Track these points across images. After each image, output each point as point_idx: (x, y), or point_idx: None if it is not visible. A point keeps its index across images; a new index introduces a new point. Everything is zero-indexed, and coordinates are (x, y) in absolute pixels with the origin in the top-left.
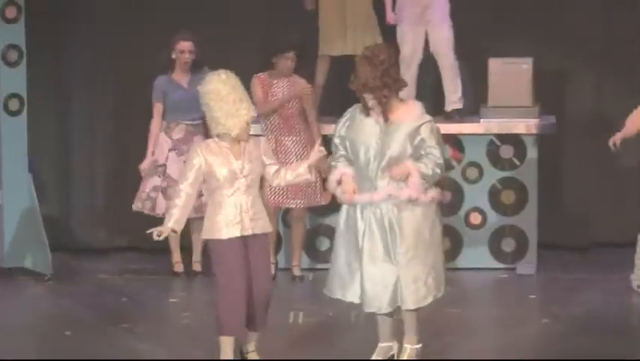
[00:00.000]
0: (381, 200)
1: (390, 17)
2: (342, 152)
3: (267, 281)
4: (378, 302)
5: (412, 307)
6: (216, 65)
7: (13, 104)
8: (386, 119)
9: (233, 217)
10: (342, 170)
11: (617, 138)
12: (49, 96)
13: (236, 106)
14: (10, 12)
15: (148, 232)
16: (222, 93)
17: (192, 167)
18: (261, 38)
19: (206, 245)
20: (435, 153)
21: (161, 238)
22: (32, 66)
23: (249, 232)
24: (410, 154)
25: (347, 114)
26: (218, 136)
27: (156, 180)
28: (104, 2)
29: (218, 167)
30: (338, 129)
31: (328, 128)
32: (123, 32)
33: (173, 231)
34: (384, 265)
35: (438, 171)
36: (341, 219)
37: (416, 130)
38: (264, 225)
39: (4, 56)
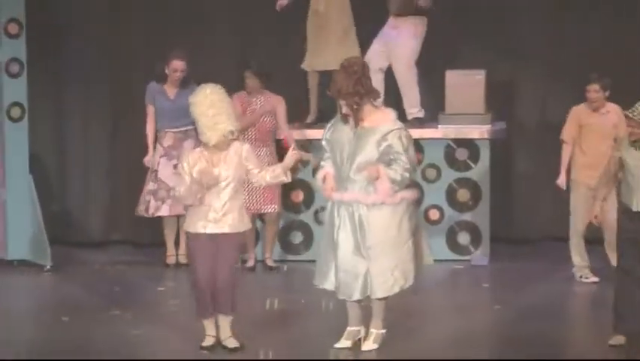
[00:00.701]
0: (350, 201)
1: None
2: (328, 154)
3: (227, 273)
4: (350, 291)
5: (380, 296)
6: (200, 79)
7: (15, 112)
8: (357, 125)
9: (205, 216)
10: (326, 170)
11: (562, 181)
12: (47, 104)
13: (214, 120)
14: (13, 28)
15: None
16: (202, 107)
17: (185, 172)
18: (236, 56)
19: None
20: (402, 159)
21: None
22: (32, 77)
23: (217, 231)
24: (377, 159)
25: (332, 120)
26: (203, 144)
27: (151, 185)
28: (97, 19)
29: (199, 173)
30: (325, 133)
31: (299, 134)
32: (114, 46)
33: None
34: (355, 258)
35: (406, 175)
36: (326, 214)
37: (384, 137)
38: (235, 225)
39: (7, 69)
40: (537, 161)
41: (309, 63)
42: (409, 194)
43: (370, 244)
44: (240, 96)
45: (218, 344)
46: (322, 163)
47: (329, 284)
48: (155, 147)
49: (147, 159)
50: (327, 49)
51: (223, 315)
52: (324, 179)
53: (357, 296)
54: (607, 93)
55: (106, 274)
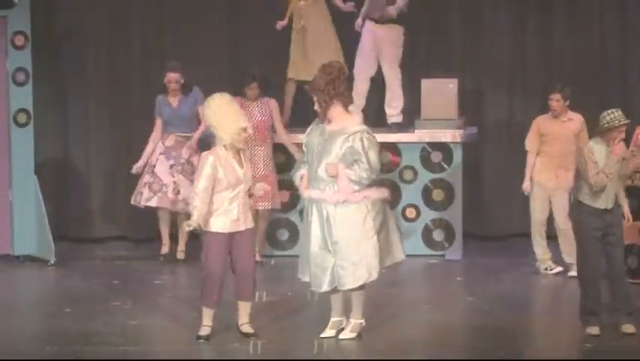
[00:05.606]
0: (317, 198)
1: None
2: (306, 157)
3: (248, 264)
4: (319, 283)
5: (345, 288)
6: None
7: (21, 118)
8: (322, 121)
9: (232, 216)
10: (302, 171)
11: (527, 186)
12: (51, 110)
13: (235, 117)
14: (19, 40)
15: (185, 225)
16: (222, 112)
17: (205, 176)
18: (227, 66)
19: (190, 237)
20: (363, 160)
21: (190, 229)
22: (37, 85)
23: (242, 228)
24: (340, 159)
25: (312, 125)
26: (225, 147)
27: (146, 177)
28: (98, 31)
29: (225, 174)
30: (305, 136)
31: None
32: (115, 56)
33: (199, 226)
34: (323, 252)
35: (364, 175)
36: (304, 212)
37: (347, 139)
38: (250, 222)
39: (14, 77)
40: (506, 163)
41: (292, 73)
42: (374, 193)
43: (336, 239)
44: (236, 101)
45: (240, 329)
46: (301, 165)
47: (308, 277)
48: (147, 159)
49: (136, 166)
50: (308, 61)
51: (244, 302)
52: (301, 179)
53: (325, 288)
54: (567, 102)
55: (106, 268)
